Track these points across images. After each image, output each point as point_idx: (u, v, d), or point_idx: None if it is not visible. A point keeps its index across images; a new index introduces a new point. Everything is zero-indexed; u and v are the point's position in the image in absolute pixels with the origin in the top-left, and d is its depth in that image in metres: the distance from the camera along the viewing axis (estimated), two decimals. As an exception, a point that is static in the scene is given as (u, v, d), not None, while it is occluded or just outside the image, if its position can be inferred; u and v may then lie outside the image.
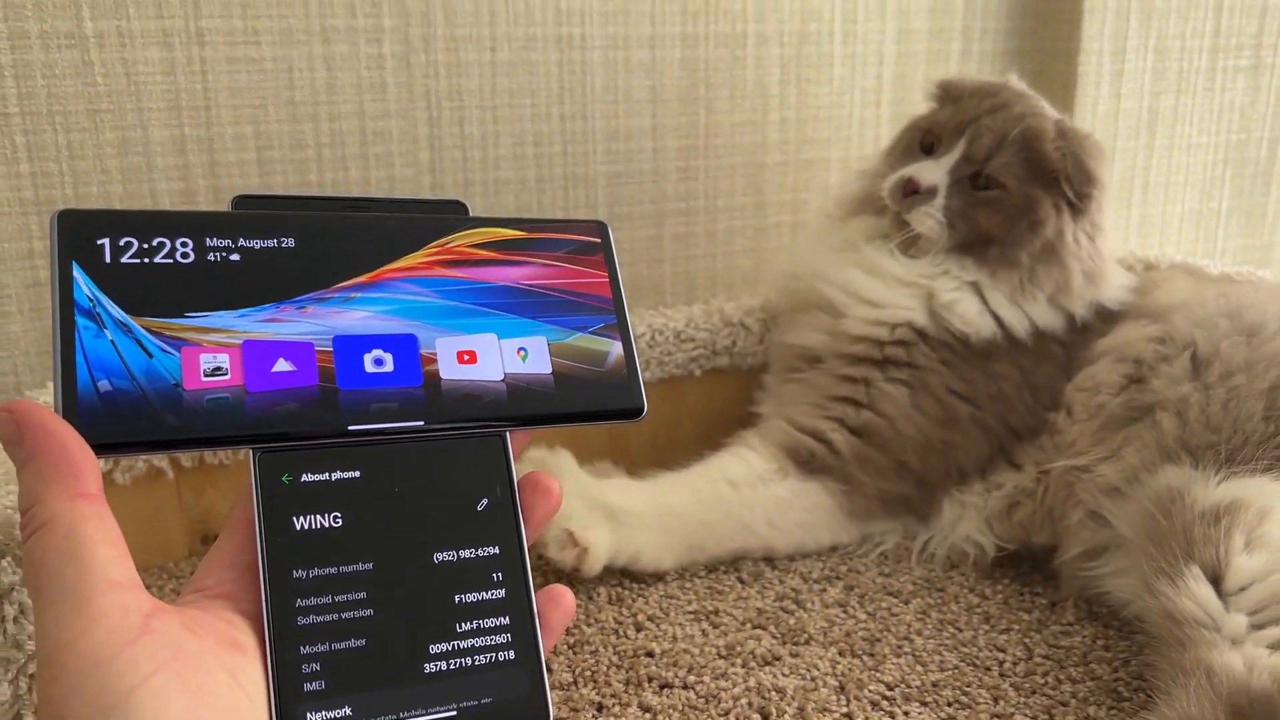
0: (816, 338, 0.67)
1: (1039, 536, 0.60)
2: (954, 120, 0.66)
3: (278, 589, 0.30)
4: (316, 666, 0.29)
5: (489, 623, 0.32)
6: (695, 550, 0.60)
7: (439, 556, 0.32)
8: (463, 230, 0.35)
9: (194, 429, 0.30)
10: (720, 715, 0.46)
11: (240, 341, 0.31)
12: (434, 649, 0.31)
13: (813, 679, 0.49)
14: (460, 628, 0.31)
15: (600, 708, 0.47)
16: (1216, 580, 0.45)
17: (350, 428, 0.32)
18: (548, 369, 0.35)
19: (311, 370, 0.32)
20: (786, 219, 0.85)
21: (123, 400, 0.30)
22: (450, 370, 0.34)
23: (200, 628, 0.28)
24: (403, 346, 0.33)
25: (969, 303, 0.64)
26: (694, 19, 0.76)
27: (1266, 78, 0.96)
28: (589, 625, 0.54)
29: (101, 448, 0.29)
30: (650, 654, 0.51)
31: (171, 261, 0.32)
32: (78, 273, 0.30)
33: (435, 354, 0.34)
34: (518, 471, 0.34)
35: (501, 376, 0.34)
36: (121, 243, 0.31)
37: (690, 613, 0.55)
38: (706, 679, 0.49)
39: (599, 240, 0.37)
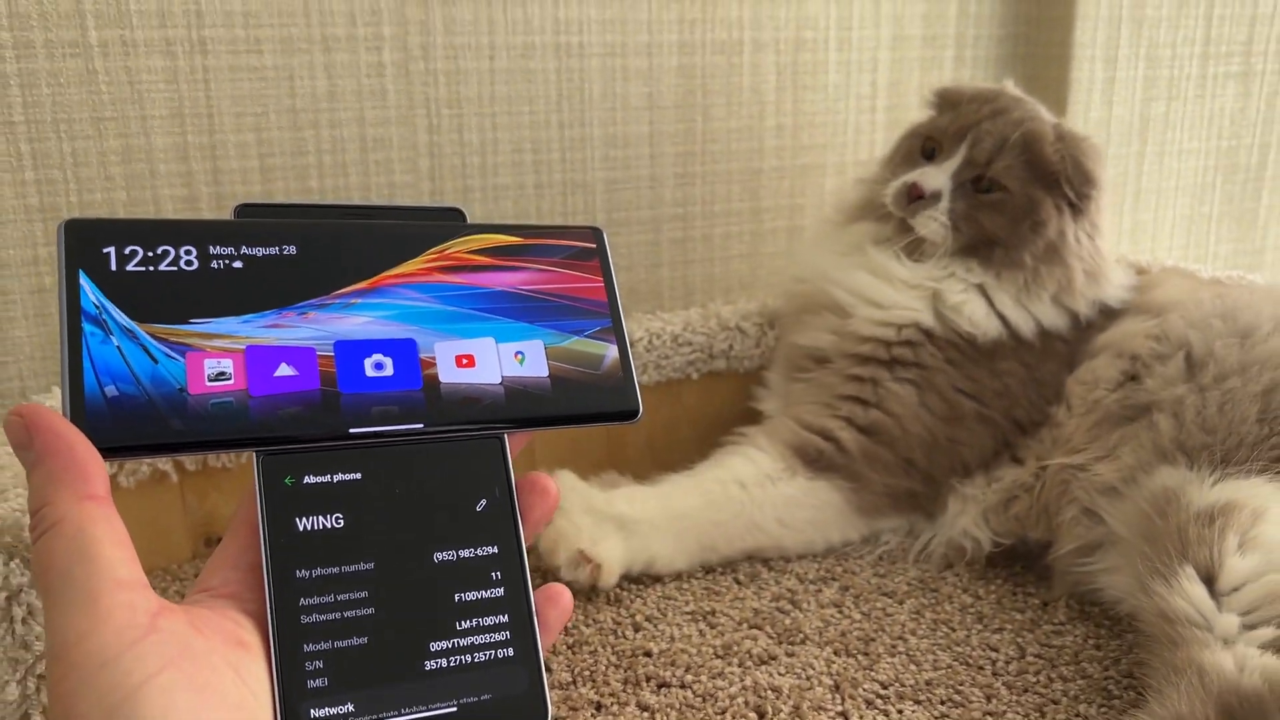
0: (824, 338, 0.67)
1: (1034, 532, 0.61)
2: (954, 126, 0.67)
3: (281, 588, 0.30)
4: (320, 664, 0.30)
5: (488, 621, 0.32)
6: (707, 551, 0.60)
7: (439, 556, 0.32)
8: (460, 237, 0.36)
9: (199, 432, 0.31)
10: (717, 714, 0.47)
11: (243, 347, 0.32)
12: (434, 647, 0.31)
13: (808, 678, 0.49)
14: (460, 626, 0.32)
15: (599, 706, 0.47)
16: (1210, 580, 0.46)
17: (351, 430, 0.32)
18: (545, 372, 0.35)
19: (313, 375, 0.32)
20: (782, 224, 0.85)
21: (129, 405, 0.30)
22: (449, 374, 0.34)
23: (206, 626, 0.29)
24: (402, 351, 0.34)
25: (976, 304, 0.65)
26: (691, 27, 0.77)
27: (1256, 84, 0.97)
28: (588, 625, 0.55)
29: (108, 451, 0.29)
30: (648, 654, 0.52)
31: (176, 269, 0.32)
32: (84, 280, 0.31)
33: (434, 358, 0.34)
34: (516, 474, 0.34)
35: (499, 380, 0.35)
36: (127, 251, 0.32)
37: (688, 613, 0.56)
38: (704, 678, 0.49)
39: (594, 246, 0.38)
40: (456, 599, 0.32)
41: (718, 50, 0.79)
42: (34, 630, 0.41)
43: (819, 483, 0.62)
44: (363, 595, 0.31)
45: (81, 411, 0.30)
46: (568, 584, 0.56)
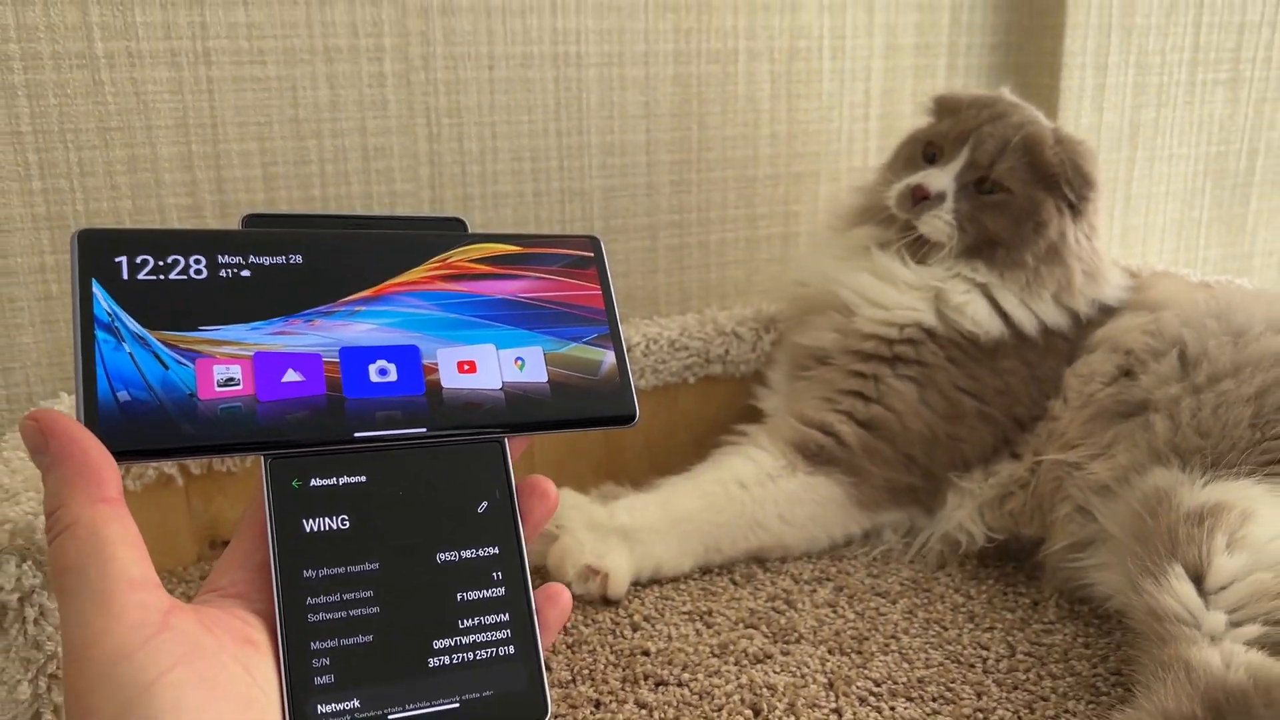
0: (827, 337, 0.68)
1: (1028, 529, 0.62)
2: (955, 130, 0.69)
3: (289, 588, 0.31)
4: (326, 661, 0.31)
5: (490, 619, 0.33)
6: (712, 552, 0.61)
7: (442, 557, 0.33)
8: (462, 246, 0.37)
9: (208, 437, 0.32)
10: (714, 711, 0.48)
11: (251, 353, 0.33)
12: (437, 644, 0.32)
13: (803, 676, 0.50)
14: (462, 624, 0.33)
15: (598, 704, 0.48)
16: (1198, 579, 0.46)
17: (356, 434, 0.33)
18: (544, 378, 0.36)
19: (319, 380, 0.33)
20: (777, 231, 0.86)
21: (141, 409, 0.31)
22: (451, 379, 0.35)
23: (216, 625, 0.30)
24: (406, 357, 0.35)
25: (979, 304, 0.66)
26: (686, 36, 0.78)
27: (1245, 91, 0.98)
28: (587, 625, 0.56)
29: (121, 454, 0.30)
30: (646, 653, 0.53)
31: (186, 277, 0.33)
32: (97, 289, 0.32)
33: (436, 364, 0.35)
34: (516, 479, 0.35)
35: (500, 385, 0.36)
36: (138, 260, 0.33)
37: (685, 613, 0.57)
38: (700, 676, 0.50)
39: (592, 254, 0.39)
40: (459, 598, 0.33)
41: (713, 59, 0.80)
42: (45, 630, 0.42)
43: (819, 478, 0.62)
44: (368, 594, 0.32)
45: (95, 416, 0.30)
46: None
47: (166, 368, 0.32)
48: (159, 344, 0.32)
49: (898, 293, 0.67)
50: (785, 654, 0.52)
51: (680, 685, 0.50)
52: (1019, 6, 0.90)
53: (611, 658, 0.52)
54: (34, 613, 0.41)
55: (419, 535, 0.33)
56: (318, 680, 0.30)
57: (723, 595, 0.59)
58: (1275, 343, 0.57)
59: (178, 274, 0.33)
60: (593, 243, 0.39)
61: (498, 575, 0.34)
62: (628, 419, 0.37)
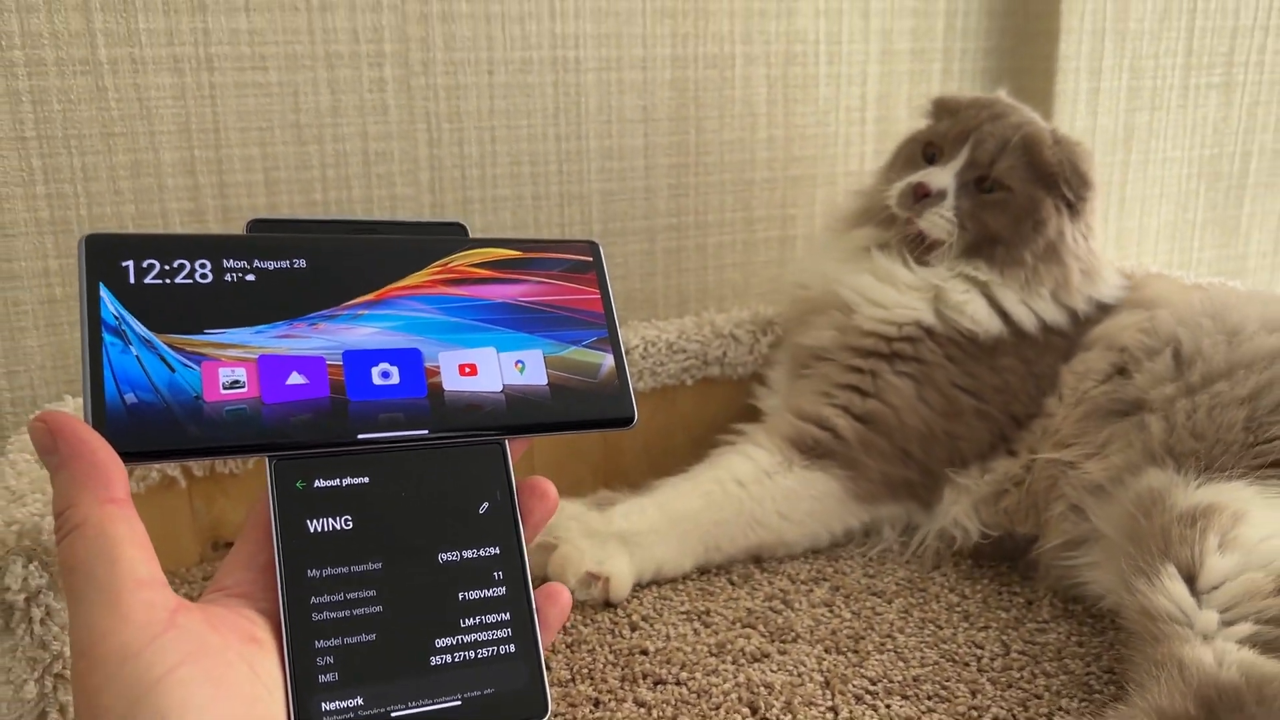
0: (827, 335, 0.69)
1: (1022, 527, 0.62)
2: (955, 130, 0.70)
3: (293, 587, 0.31)
4: (330, 659, 0.31)
5: (491, 618, 0.33)
6: (712, 551, 0.61)
7: (443, 557, 0.34)
8: (463, 250, 0.38)
9: (214, 438, 0.32)
10: (711, 710, 0.48)
11: (256, 356, 0.33)
12: (439, 643, 0.32)
13: (799, 675, 0.51)
14: (464, 623, 0.33)
15: (597, 703, 0.49)
16: (1191, 579, 0.47)
17: (359, 436, 0.34)
18: (544, 380, 0.37)
19: (323, 383, 0.34)
20: (774, 234, 0.87)
21: (148, 412, 0.31)
22: (452, 382, 0.36)
23: (221, 624, 0.30)
24: (408, 360, 0.35)
25: (978, 303, 0.67)
26: (683, 41, 0.79)
27: (1238, 94, 0.98)
28: (586, 625, 0.56)
29: (128, 456, 0.31)
30: (644, 652, 0.53)
31: (191, 282, 0.34)
32: (104, 293, 0.32)
33: (438, 367, 0.35)
34: (517, 480, 0.36)
35: (500, 388, 0.36)
36: (145, 264, 0.33)
37: (682, 613, 0.57)
38: (698, 675, 0.51)
39: (591, 259, 0.39)
40: (460, 598, 0.33)
41: (710, 64, 0.80)
42: (51, 630, 0.42)
43: (815, 473, 0.63)
44: (371, 594, 0.32)
45: (103, 418, 0.31)
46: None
47: (173, 370, 0.32)
48: (165, 347, 0.32)
49: (897, 293, 0.68)
50: (782, 653, 0.53)
51: (678, 684, 0.50)
52: (1014, 12, 0.91)
53: (610, 657, 0.53)
54: (40, 613, 0.42)
55: (421, 535, 0.34)
56: (322, 678, 0.31)
57: (720, 595, 0.59)
58: (1269, 342, 0.58)
59: (183, 278, 0.33)
60: (592, 247, 0.40)
61: (498, 575, 0.34)
62: (626, 421, 0.38)
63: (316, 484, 0.33)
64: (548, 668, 0.46)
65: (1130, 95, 0.94)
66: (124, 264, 0.33)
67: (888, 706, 0.48)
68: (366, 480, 0.33)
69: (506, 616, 0.34)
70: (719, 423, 0.74)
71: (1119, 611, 0.53)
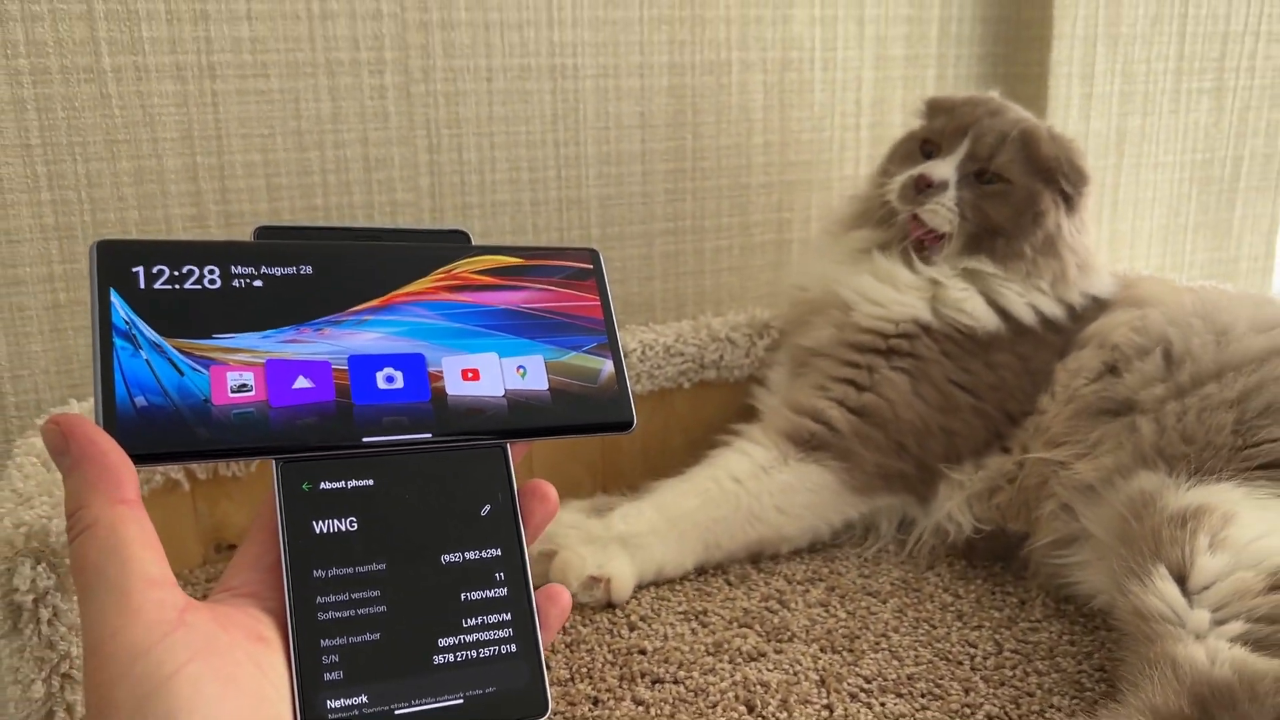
0: (826, 333, 0.70)
1: (1014, 523, 0.63)
2: (952, 125, 0.71)
3: (299, 587, 0.32)
4: (335, 658, 0.31)
5: (492, 619, 0.34)
6: (712, 548, 0.62)
7: (446, 558, 0.34)
8: (466, 258, 0.38)
9: (222, 441, 0.33)
10: (708, 708, 0.49)
11: (264, 361, 0.34)
12: (442, 642, 0.33)
13: (795, 673, 0.52)
14: (466, 623, 0.34)
15: (596, 701, 0.50)
16: (1182, 579, 0.47)
17: (364, 439, 0.34)
18: (545, 385, 0.38)
19: (329, 387, 0.34)
20: (771, 238, 0.88)
21: (157, 414, 0.32)
22: (455, 387, 0.36)
23: (229, 623, 0.31)
24: (412, 365, 0.36)
25: (977, 300, 0.68)
26: (680, 48, 0.80)
27: (1229, 99, 0.99)
28: (585, 625, 0.57)
29: (139, 457, 0.31)
30: (642, 651, 0.54)
31: (200, 287, 0.34)
32: (115, 298, 0.33)
33: (442, 372, 0.36)
34: (518, 483, 0.36)
35: (502, 392, 0.37)
36: (154, 270, 0.34)
37: (680, 613, 0.58)
38: (695, 674, 0.51)
39: (591, 266, 0.40)
40: (463, 598, 0.34)
41: (707, 71, 0.81)
42: (59, 631, 0.43)
43: (810, 465, 0.63)
44: (375, 594, 0.33)
45: (114, 420, 0.31)
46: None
47: (182, 374, 0.33)
48: (175, 351, 0.33)
49: (896, 292, 0.69)
50: (778, 652, 0.54)
51: (676, 683, 0.51)
52: (1007, 18, 0.92)
53: (609, 656, 0.53)
54: (48, 613, 0.42)
55: (424, 537, 0.34)
56: (327, 676, 0.31)
57: (717, 595, 0.60)
58: (1258, 343, 0.58)
59: (192, 284, 0.34)
60: (592, 255, 0.40)
61: (500, 576, 0.35)
62: (626, 426, 0.38)
63: (322, 486, 0.33)
64: (547, 667, 0.46)
65: (1122, 100, 0.95)
66: (134, 270, 0.33)
67: (882, 704, 0.49)
68: (371, 482, 0.34)
69: (508, 617, 0.34)
70: (715, 425, 0.74)
71: (1109, 611, 0.54)
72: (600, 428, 0.38)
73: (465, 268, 0.38)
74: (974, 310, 0.67)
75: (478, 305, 0.38)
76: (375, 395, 0.35)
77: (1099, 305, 0.70)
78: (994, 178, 0.68)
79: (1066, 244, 0.69)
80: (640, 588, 0.61)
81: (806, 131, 0.86)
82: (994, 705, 0.49)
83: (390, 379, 0.35)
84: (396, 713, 0.32)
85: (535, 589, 0.35)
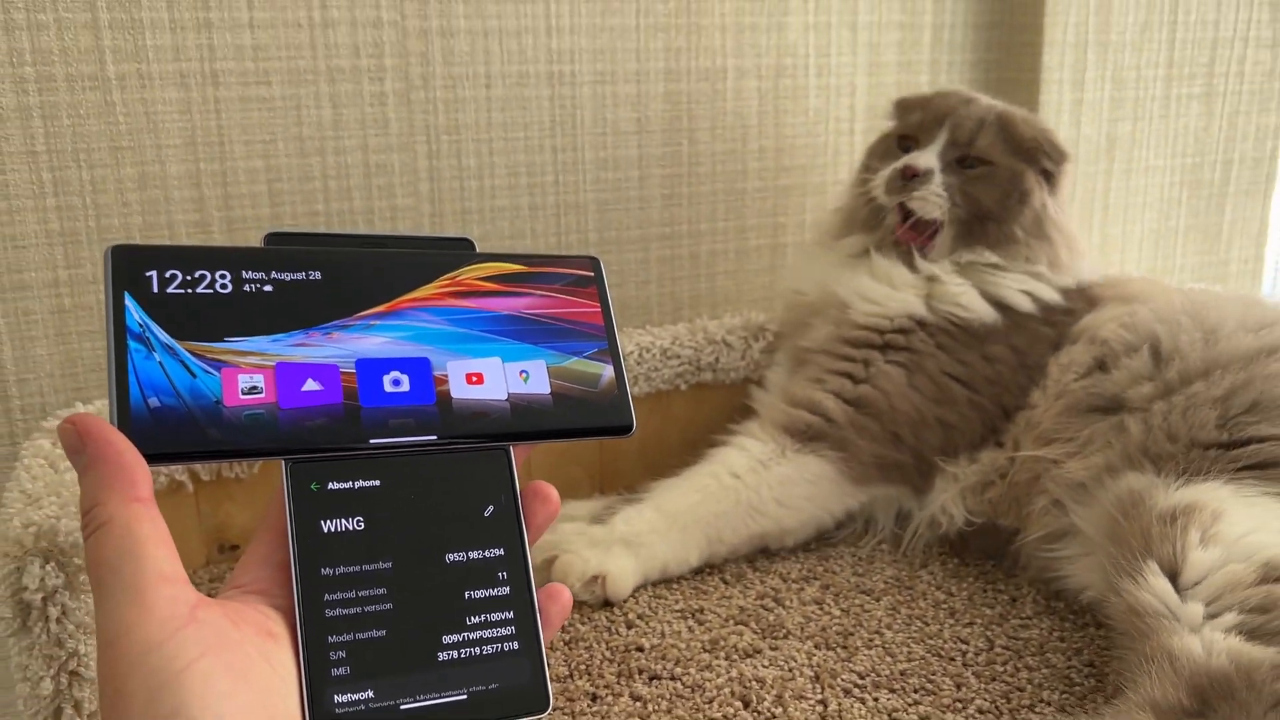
0: (824, 331, 0.71)
1: (1005, 518, 0.64)
2: (928, 118, 0.72)
3: (308, 585, 0.33)
4: (342, 654, 0.32)
5: (495, 616, 0.35)
6: (715, 543, 0.62)
7: (450, 557, 0.35)
8: (470, 265, 0.39)
9: (233, 441, 0.33)
10: (705, 704, 0.50)
11: (274, 363, 0.35)
12: (446, 639, 0.34)
13: (790, 670, 0.53)
14: (469, 621, 0.34)
15: (594, 698, 0.50)
16: (1173, 575, 0.48)
17: (371, 441, 0.35)
18: (547, 390, 0.38)
19: (337, 389, 0.35)
20: (766, 242, 0.89)
21: (170, 415, 0.33)
22: (460, 390, 0.37)
23: (239, 619, 0.31)
24: (418, 369, 0.37)
25: (972, 293, 0.68)
26: (676, 55, 0.81)
27: (1218, 104, 1.01)
28: (583, 623, 0.58)
29: (152, 457, 0.32)
30: (640, 648, 0.55)
31: (212, 292, 0.35)
32: (129, 301, 0.34)
33: (446, 375, 0.37)
34: (520, 484, 0.37)
35: (505, 396, 0.38)
36: (167, 274, 0.34)
37: (677, 611, 0.59)
38: (692, 671, 0.52)
39: (592, 274, 0.41)
40: (466, 596, 0.34)
41: (702, 77, 0.82)
42: (67, 629, 0.43)
43: (808, 456, 0.64)
44: (381, 592, 0.33)
45: (128, 421, 0.32)
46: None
47: (194, 376, 0.33)
48: (187, 354, 0.34)
49: (893, 289, 0.69)
50: (774, 649, 0.55)
51: (673, 679, 0.52)
52: (998, 25, 0.93)
53: (607, 653, 0.54)
54: (56, 612, 0.43)
55: (429, 536, 0.35)
56: (334, 672, 0.32)
57: (713, 594, 0.61)
58: (1245, 341, 0.59)
59: (204, 288, 0.35)
60: (593, 263, 0.41)
61: (503, 575, 0.35)
62: (625, 429, 0.39)
63: (330, 486, 0.34)
64: (548, 664, 0.47)
65: (1113, 105, 0.96)
66: (148, 274, 0.34)
67: (875, 700, 0.50)
68: (378, 483, 0.35)
69: (510, 615, 0.35)
70: (712, 426, 0.75)
71: (1099, 606, 0.55)
72: (601, 431, 0.39)
73: (470, 274, 0.39)
74: (970, 303, 0.68)
75: (482, 311, 0.39)
76: (382, 398, 0.36)
77: (1090, 300, 0.70)
78: (976, 161, 0.69)
79: (1053, 223, 0.70)
80: (644, 586, 0.62)
81: (801, 137, 0.88)
82: (985, 700, 0.50)
83: (397, 382, 0.36)
84: (402, 708, 0.32)
85: (537, 588, 0.36)
